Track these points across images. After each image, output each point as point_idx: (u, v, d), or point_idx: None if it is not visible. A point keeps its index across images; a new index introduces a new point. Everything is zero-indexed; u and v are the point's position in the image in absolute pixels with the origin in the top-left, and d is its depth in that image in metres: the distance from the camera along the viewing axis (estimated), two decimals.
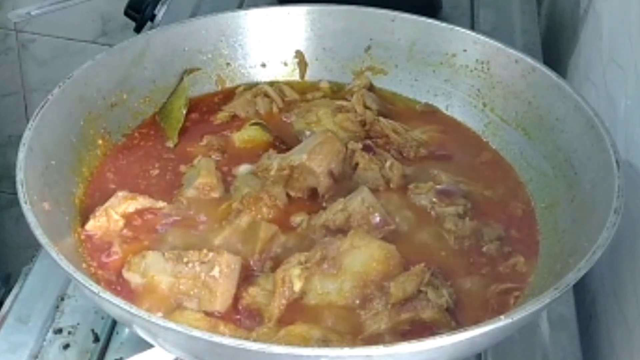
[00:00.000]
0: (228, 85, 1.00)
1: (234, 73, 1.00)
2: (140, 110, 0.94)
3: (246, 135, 0.93)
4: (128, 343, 0.81)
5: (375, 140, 0.91)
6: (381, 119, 0.93)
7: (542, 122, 0.89)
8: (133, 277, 0.76)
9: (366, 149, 0.88)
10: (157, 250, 0.78)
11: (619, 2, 0.97)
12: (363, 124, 0.93)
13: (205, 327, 0.72)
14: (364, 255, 0.76)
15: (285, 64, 1.01)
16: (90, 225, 0.80)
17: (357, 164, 0.87)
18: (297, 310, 0.74)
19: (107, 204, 0.81)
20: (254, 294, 0.74)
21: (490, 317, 0.66)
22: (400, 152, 0.91)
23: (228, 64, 1.00)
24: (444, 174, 0.88)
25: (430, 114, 0.97)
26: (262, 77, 1.01)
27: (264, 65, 1.01)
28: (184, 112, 0.94)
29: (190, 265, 0.75)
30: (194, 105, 0.96)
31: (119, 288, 0.76)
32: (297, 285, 0.74)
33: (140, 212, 0.82)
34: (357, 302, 0.74)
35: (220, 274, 0.74)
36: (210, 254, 0.76)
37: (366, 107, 0.95)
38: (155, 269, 0.76)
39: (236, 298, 0.75)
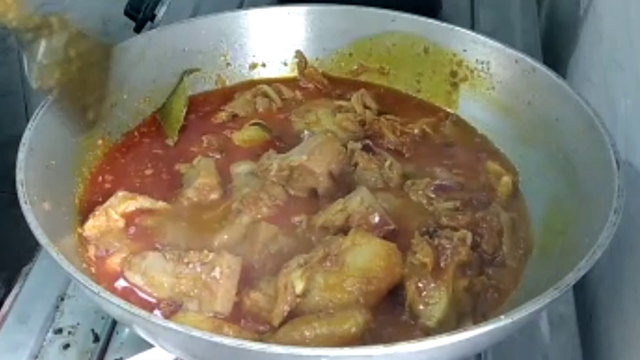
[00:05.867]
0: (228, 85, 1.00)
1: (234, 73, 1.00)
2: (140, 109, 0.94)
3: (246, 135, 0.93)
4: (128, 343, 0.81)
5: (375, 140, 0.91)
6: (381, 118, 0.93)
7: (542, 122, 0.89)
8: (133, 277, 0.76)
9: (365, 148, 0.88)
10: (157, 250, 0.78)
11: (619, 2, 0.97)
12: (362, 123, 0.93)
13: (209, 328, 0.72)
14: (366, 253, 0.75)
15: (285, 64, 1.01)
16: (90, 225, 0.80)
17: (356, 164, 0.87)
18: (299, 308, 0.74)
19: (106, 204, 0.81)
20: (256, 299, 0.74)
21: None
22: (399, 151, 0.91)
23: (228, 64, 1.00)
24: (442, 172, 0.88)
25: (431, 112, 0.97)
26: (262, 77, 1.01)
27: (264, 65, 1.01)
28: (184, 111, 0.94)
29: (190, 265, 0.75)
30: (194, 105, 0.96)
31: (119, 288, 0.76)
32: (299, 287, 0.73)
33: (140, 212, 0.82)
34: (360, 299, 0.74)
35: (220, 275, 0.74)
36: (211, 255, 0.75)
37: (366, 107, 0.95)
38: (155, 270, 0.76)
39: (238, 303, 0.75)
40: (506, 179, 0.88)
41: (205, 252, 0.76)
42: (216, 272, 0.75)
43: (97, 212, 0.81)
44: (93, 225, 0.80)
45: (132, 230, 0.81)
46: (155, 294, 0.75)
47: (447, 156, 0.92)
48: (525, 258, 0.80)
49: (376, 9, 0.99)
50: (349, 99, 0.96)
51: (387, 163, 0.87)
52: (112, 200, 0.82)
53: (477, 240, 0.79)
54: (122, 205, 0.82)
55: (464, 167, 0.90)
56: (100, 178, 0.87)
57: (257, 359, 0.64)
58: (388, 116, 0.94)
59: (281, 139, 0.92)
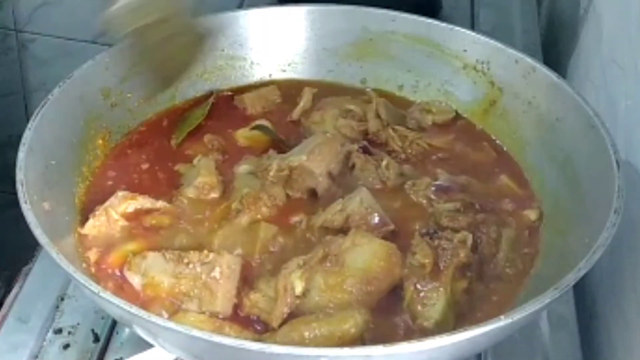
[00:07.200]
0: (227, 84, 1.00)
1: (234, 73, 1.00)
2: (141, 110, 0.94)
3: (249, 133, 0.93)
4: (128, 343, 0.81)
5: (375, 143, 0.91)
6: (390, 130, 0.92)
7: (542, 122, 0.89)
8: (133, 278, 0.76)
9: (362, 149, 0.88)
10: (157, 250, 0.78)
11: (619, 2, 0.97)
12: (366, 132, 0.93)
13: (210, 328, 0.72)
14: (366, 253, 0.75)
15: (286, 64, 1.01)
16: (90, 224, 0.80)
17: (353, 165, 0.87)
18: (299, 309, 0.74)
19: (106, 204, 0.81)
20: (255, 300, 0.74)
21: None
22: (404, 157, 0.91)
23: (228, 63, 1.00)
24: (442, 172, 0.88)
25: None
26: (262, 77, 1.01)
27: (264, 65, 1.01)
28: (199, 120, 0.94)
29: (190, 266, 0.75)
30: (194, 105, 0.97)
31: (119, 288, 0.76)
32: (299, 288, 0.73)
33: (140, 212, 0.82)
34: (360, 299, 0.74)
35: (220, 275, 0.74)
36: (211, 255, 0.75)
37: (377, 116, 0.94)
38: (155, 270, 0.76)
39: (237, 305, 0.75)
40: (532, 215, 0.84)
41: (205, 252, 0.76)
42: (216, 272, 0.74)
43: (97, 212, 0.81)
44: (93, 225, 0.80)
45: (132, 229, 0.81)
46: (155, 294, 0.75)
47: (449, 157, 0.92)
48: (522, 275, 0.79)
49: (376, 9, 0.99)
50: (362, 101, 0.96)
51: (384, 162, 0.87)
52: (112, 200, 0.82)
53: (477, 241, 0.79)
54: (122, 205, 0.81)
55: (464, 168, 0.90)
56: (100, 178, 0.87)
57: (257, 359, 0.64)
58: (398, 127, 0.93)
59: (282, 141, 0.92)
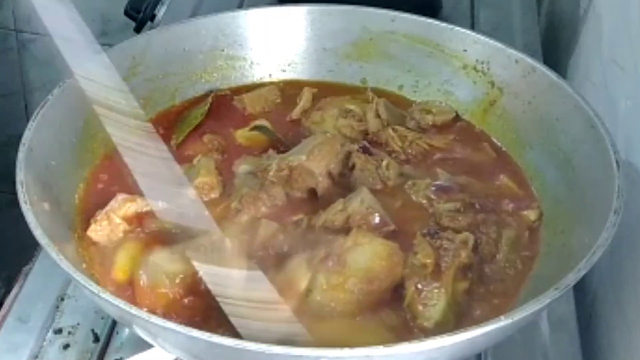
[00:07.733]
0: (227, 84, 1.00)
1: (234, 73, 1.00)
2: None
3: (248, 134, 0.93)
4: (128, 343, 0.81)
5: (375, 144, 0.91)
6: (390, 130, 0.92)
7: (542, 122, 0.89)
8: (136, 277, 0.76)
9: (363, 149, 0.88)
10: (159, 251, 0.77)
11: (619, 2, 0.97)
12: (366, 133, 0.93)
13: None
14: (368, 252, 0.75)
15: (286, 64, 1.01)
16: (92, 230, 0.80)
17: (353, 165, 0.87)
18: (300, 308, 0.74)
19: (107, 208, 0.81)
20: None
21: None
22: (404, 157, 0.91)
23: (228, 63, 1.00)
24: (442, 172, 0.88)
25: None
26: (262, 77, 1.01)
27: (264, 65, 1.01)
28: (199, 120, 0.94)
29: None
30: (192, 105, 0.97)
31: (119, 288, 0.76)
32: (302, 285, 0.73)
33: (141, 213, 0.82)
34: (361, 299, 0.74)
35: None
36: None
37: (377, 116, 0.94)
38: (157, 270, 0.76)
39: None
40: (532, 215, 0.84)
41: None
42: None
43: (98, 217, 0.80)
44: (95, 230, 0.80)
45: (133, 230, 0.81)
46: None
47: (449, 158, 0.92)
48: (522, 275, 0.79)
49: (376, 9, 0.99)
50: (362, 101, 0.96)
51: (384, 163, 0.87)
52: (112, 204, 0.81)
53: (477, 242, 0.79)
54: (122, 208, 0.81)
55: (465, 168, 0.90)
56: (100, 178, 0.87)
57: (257, 359, 0.64)
58: (398, 127, 0.93)
59: (282, 141, 0.92)
